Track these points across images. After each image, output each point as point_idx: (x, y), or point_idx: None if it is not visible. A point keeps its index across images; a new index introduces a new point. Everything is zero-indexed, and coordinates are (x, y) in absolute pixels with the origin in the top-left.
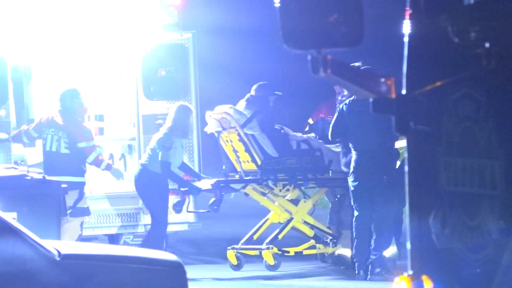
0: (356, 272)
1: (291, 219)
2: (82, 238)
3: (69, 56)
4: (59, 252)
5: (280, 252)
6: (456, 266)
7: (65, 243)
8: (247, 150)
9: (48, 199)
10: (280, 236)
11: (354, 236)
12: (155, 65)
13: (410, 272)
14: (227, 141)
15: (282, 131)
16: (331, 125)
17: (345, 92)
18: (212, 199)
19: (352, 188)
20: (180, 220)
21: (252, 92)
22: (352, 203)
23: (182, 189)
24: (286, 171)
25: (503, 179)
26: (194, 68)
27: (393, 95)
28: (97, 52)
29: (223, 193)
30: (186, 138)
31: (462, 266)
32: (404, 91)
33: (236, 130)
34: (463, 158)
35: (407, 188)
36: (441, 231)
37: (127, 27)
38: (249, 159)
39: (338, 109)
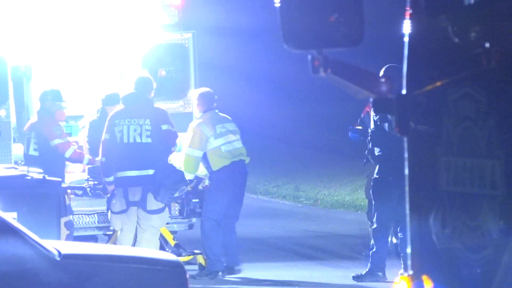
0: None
1: None
2: (82, 238)
3: (69, 56)
4: (59, 252)
5: None
6: (456, 266)
7: (65, 243)
8: None
9: (48, 199)
10: None
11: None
12: (155, 65)
13: (410, 272)
14: None
15: None
16: (369, 136)
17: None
18: None
19: (375, 192)
20: (180, 220)
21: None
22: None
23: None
24: None
25: (503, 179)
26: (194, 68)
27: (393, 95)
28: (97, 52)
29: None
30: None
31: (462, 266)
32: (404, 91)
33: None
34: (463, 158)
35: (407, 188)
36: (441, 231)
37: (127, 27)
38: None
39: (372, 119)
